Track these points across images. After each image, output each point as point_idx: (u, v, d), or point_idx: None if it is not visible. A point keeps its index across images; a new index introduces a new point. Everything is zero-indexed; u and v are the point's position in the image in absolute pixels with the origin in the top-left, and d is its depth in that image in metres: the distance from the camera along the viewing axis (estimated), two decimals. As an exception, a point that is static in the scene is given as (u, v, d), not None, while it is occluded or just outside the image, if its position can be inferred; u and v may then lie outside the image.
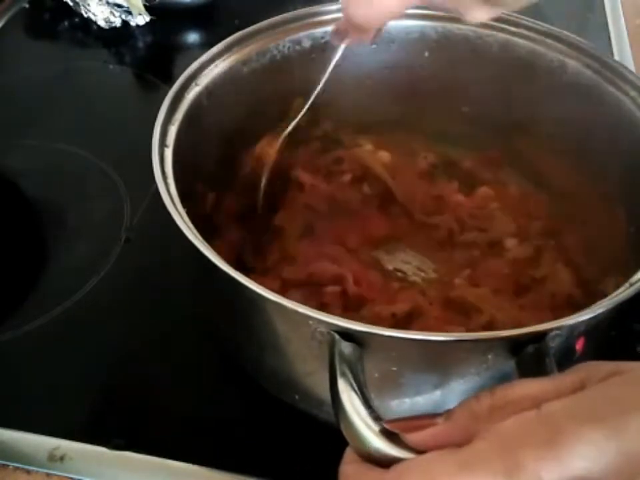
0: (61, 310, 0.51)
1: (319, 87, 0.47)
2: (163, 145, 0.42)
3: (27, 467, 0.42)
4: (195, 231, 0.36)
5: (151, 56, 0.78)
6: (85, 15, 0.79)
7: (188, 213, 0.37)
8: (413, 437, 0.26)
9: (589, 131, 0.49)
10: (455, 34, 0.52)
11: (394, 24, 0.53)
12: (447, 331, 0.38)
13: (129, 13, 0.78)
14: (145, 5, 0.77)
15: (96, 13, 0.79)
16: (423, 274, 0.50)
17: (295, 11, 0.51)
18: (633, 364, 0.25)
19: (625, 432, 0.22)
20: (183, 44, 0.80)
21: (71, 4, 0.80)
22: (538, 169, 0.54)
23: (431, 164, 0.57)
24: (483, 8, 0.36)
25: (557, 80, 0.50)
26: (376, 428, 0.27)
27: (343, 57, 0.53)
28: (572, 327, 0.33)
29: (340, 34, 0.44)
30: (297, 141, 0.53)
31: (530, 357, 0.31)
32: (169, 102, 0.44)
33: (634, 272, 0.36)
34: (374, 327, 0.31)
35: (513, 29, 0.51)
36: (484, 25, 0.51)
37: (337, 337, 0.32)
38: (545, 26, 0.50)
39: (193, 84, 0.46)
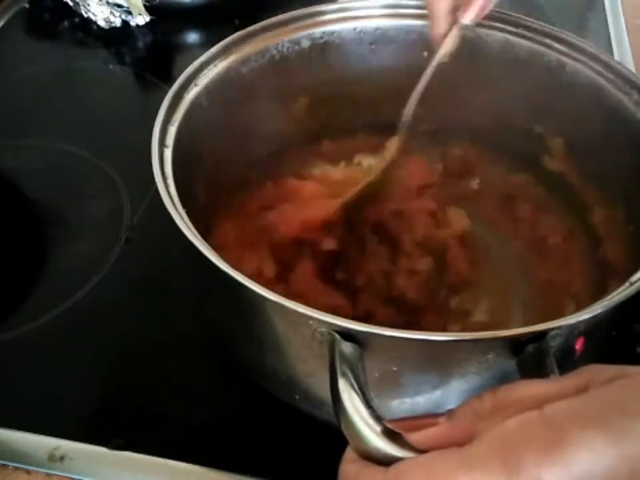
0: (61, 310, 0.51)
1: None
2: (162, 145, 0.42)
3: (27, 467, 0.42)
4: (194, 231, 0.36)
5: (150, 56, 0.78)
6: (85, 15, 0.79)
7: (188, 213, 0.37)
8: (414, 437, 0.26)
9: (588, 131, 0.49)
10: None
11: (393, 24, 0.53)
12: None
13: (129, 13, 0.78)
14: (145, 5, 0.77)
15: (96, 13, 0.79)
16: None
17: (294, 11, 0.51)
18: (637, 368, 0.25)
19: (627, 436, 0.22)
20: (183, 44, 0.80)
21: (70, 4, 0.80)
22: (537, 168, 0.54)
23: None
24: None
25: (557, 80, 0.50)
26: (377, 427, 0.27)
27: (342, 56, 0.54)
28: (572, 327, 0.33)
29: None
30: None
31: (530, 357, 0.31)
32: (169, 102, 0.44)
33: (634, 272, 0.36)
34: (374, 327, 0.31)
35: (512, 29, 0.51)
36: (484, 25, 0.51)
37: (337, 337, 0.32)
38: (545, 26, 0.50)
39: (193, 84, 0.46)
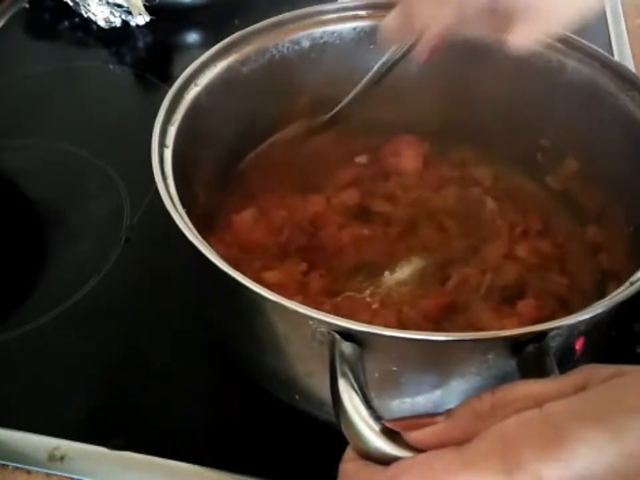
0: (61, 310, 0.51)
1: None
2: (162, 145, 0.42)
3: (27, 467, 0.43)
4: (195, 231, 0.36)
5: (150, 56, 0.78)
6: (85, 15, 0.79)
7: (188, 213, 0.37)
8: (413, 435, 0.26)
9: (588, 131, 0.49)
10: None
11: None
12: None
13: (129, 13, 0.78)
14: (145, 5, 0.77)
15: (96, 13, 0.79)
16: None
17: (295, 11, 0.51)
18: (635, 367, 0.25)
19: (626, 433, 0.22)
20: (183, 44, 0.80)
21: (70, 4, 0.80)
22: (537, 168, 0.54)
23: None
24: (524, 27, 0.35)
25: (557, 80, 0.50)
26: (376, 427, 0.27)
27: (342, 56, 0.54)
28: (572, 327, 0.33)
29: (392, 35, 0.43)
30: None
31: (530, 357, 0.31)
32: (169, 102, 0.44)
33: (634, 272, 0.36)
34: (374, 327, 0.31)
35: (512, 28, 0.51)
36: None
37: (337, 337, 0.32)
38: (544, 26, 0.50)
39: (193, 84, 0.46)
